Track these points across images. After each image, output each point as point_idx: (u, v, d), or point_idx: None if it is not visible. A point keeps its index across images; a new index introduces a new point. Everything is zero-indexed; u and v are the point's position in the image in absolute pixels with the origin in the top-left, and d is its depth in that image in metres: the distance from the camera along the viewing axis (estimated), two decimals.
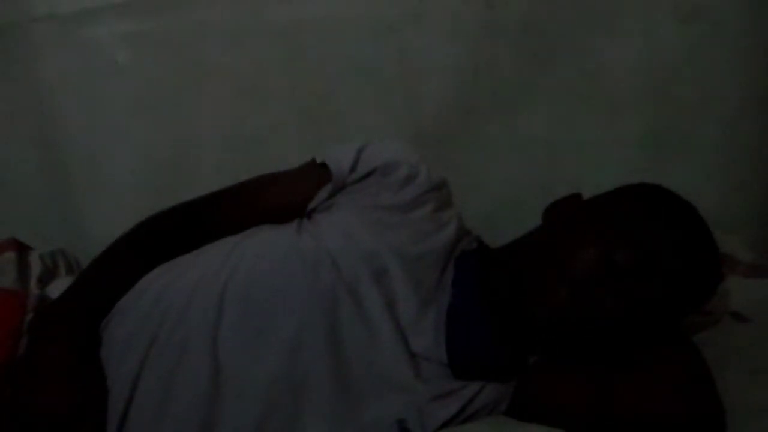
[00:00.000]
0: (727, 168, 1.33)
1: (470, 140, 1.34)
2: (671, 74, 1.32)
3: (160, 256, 0.88)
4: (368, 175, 0.89)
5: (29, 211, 1.33)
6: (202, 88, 1.33)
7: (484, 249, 0.95)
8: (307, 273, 0.82)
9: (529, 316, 0.81)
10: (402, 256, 0.85)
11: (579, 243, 0.82)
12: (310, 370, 0.79)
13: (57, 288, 0.93)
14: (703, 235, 0.85)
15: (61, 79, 1.31)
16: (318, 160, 0.91)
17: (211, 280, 0.83)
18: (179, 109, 1.33)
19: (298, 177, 0.93)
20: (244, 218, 0.91)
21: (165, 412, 0.77)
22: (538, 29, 1.31)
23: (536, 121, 1.34)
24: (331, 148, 0.93)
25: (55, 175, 1.34)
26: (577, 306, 0.78)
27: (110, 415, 0.77)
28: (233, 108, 1.33)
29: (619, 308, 0.78)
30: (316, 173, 0.90)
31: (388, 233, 0.86)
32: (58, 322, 0.80)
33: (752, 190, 1.34)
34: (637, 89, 1.32)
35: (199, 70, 1.32)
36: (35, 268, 0.98)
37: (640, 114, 1.33)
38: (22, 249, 1.01)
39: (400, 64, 1.32)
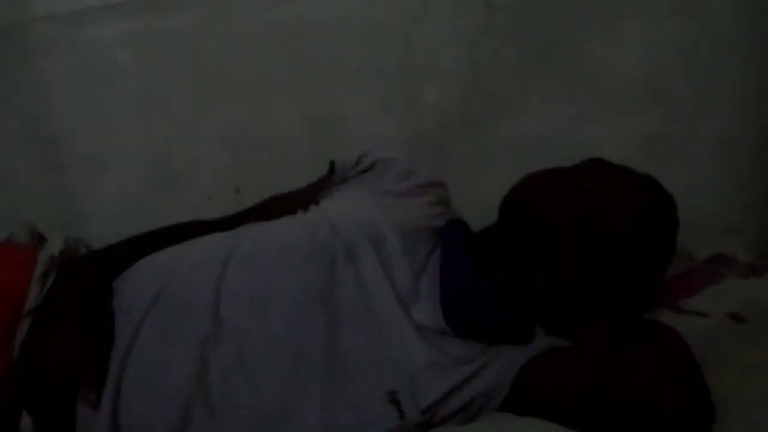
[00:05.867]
0: (727, 168, 1.33)
1: (470, 140, 1.34)
2: (671, 74, 1.32)
3: None
4: (369, 168, 0.97)
5: (29, 211, 1.33)
6: (202, 88, 1.33)
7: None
8: (307, 234, 0.86)
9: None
10: (399, 227, 0.89)
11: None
12: (308, 329, 0.80)
13: None
14: (650, 185, 0.89)
15: (61, 79, 1.31)
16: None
17: (219, 246, 0.88)
18: (179, 109, 1.34)
19: (308, 188, 1.01)
20: None
21: (163, 356, 0.79)
22: (538, 29, 1.31)
23: (536, 122, 1.34)
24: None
25: (55, 175, 1.34)
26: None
27: (114, 357, 0.79)
28: (233, 108, 1.33)
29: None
30: (322, 179, 0.99)
31: (387, 209, 0.91)
32: (83, 270, 0.87)
33: (752, 190, 1.35)
34: (637, 89, 1.32)
35: (199, 70, 1.32)
36: (56, 243, 1.00)
37: (640, 114, 1.33)
38: (37, 231, 1.04)
39: (400, 64, 1.32)
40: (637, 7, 1.30)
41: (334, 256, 0.84)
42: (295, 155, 1.31)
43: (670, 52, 1.31)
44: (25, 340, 0.83)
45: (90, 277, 0.86)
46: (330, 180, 0.99)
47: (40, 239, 1.03)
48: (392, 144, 1.30)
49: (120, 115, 1.34)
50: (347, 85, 1.32)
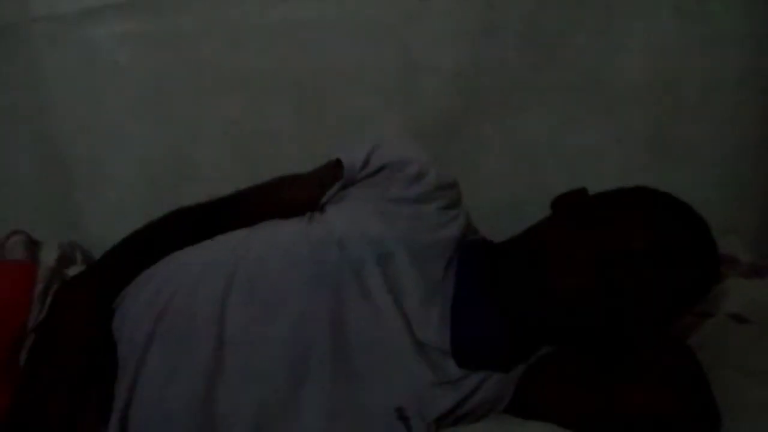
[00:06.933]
0: (727, 168, 1.33)
1: (470, 140, 1.34)
2: (671, 74, 1.32)
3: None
4: (379, 170, 0.92)
5: (29, 211, 1.33)
6: (202, 88, 1.33)
7: (489, 243, 0.96)
8: (313, 252, 0.85)
9: (549, 295, 0.82)
10: (408, 244, 0.87)
11: (607, 224, 0.84)
12: (312, 349, 0.80)
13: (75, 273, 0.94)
14: (708, 235, 0.88)
15: (61, 79, 1.31)
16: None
17: (221, 262, 0.85)
18: (179, 109, 1.33)
19: (315, 176, 0.96)
20: (262, 218, 0.93)
21: (169, 384, 0.78)
22: (538, 29, 1.31)
23: (536, 121, 1.34)
24: (347, 147, 0.95)
25: (55, 175, 1.34)
26: (601, 286, 0.81)
27: (120, 385, 0.79)
28: (233, 108, 1.33)
29: (634, 291, 0.81)
30: (331, 172, 0.94)
31: (396, 223, 0.88)
32: (79, 292, 0.83)
33: (752, 190, 1.34)
34: (637, 89, 1.32)
35: (199, 70, 1.32)
36: (51, 252, 0.98)
37: (640, 114, 1.33)
38: (30, 240, 1.02)
39: (400, 64, 1.32)
40: (639, 6, 1.30)
41: (342, 276, 0.83)
42: (296, 155, 1.31)
43: (671, 53, 1.31)
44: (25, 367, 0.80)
45: (87, 305, 0.82)
46: (338, 177, 0.93)
47: (35, 245, 1.01)
48: None
49: (120, 115, 1.33)
50: (347, 85, 1.32)
